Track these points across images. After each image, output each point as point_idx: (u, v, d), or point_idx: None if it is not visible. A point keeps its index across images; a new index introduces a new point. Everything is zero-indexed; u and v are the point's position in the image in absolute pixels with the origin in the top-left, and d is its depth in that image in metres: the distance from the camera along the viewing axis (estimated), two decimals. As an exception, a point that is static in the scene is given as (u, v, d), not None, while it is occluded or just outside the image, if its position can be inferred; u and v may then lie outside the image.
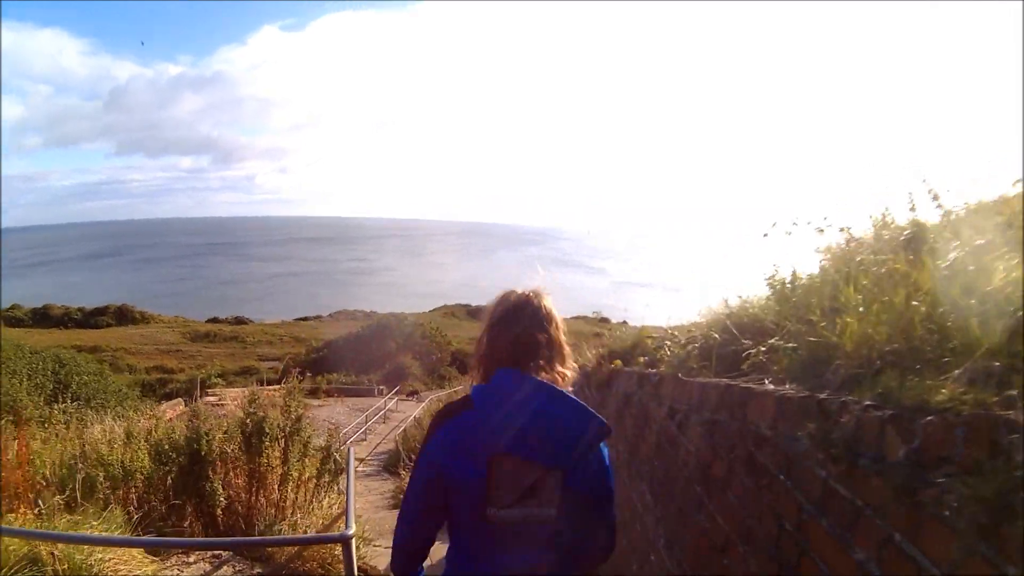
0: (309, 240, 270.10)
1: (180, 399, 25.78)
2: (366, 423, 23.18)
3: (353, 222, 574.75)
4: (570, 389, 1.81)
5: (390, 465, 16.98)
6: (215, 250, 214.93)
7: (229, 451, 5.90)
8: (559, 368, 1.83)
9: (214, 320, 69.80)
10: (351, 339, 44.26)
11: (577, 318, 79.97)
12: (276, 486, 5.98)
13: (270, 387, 32.28)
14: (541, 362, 1.78)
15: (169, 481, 5.66)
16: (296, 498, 6.08)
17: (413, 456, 12.61)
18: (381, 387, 33.87)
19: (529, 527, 1.73)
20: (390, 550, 1.95)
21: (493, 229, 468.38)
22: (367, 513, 12.05)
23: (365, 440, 21.81)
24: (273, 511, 5.83)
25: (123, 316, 66.75)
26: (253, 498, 5.86)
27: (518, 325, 1.82)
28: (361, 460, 19.21)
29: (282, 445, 6.04)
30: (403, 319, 45.35)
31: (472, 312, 73.93)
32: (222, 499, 5.65)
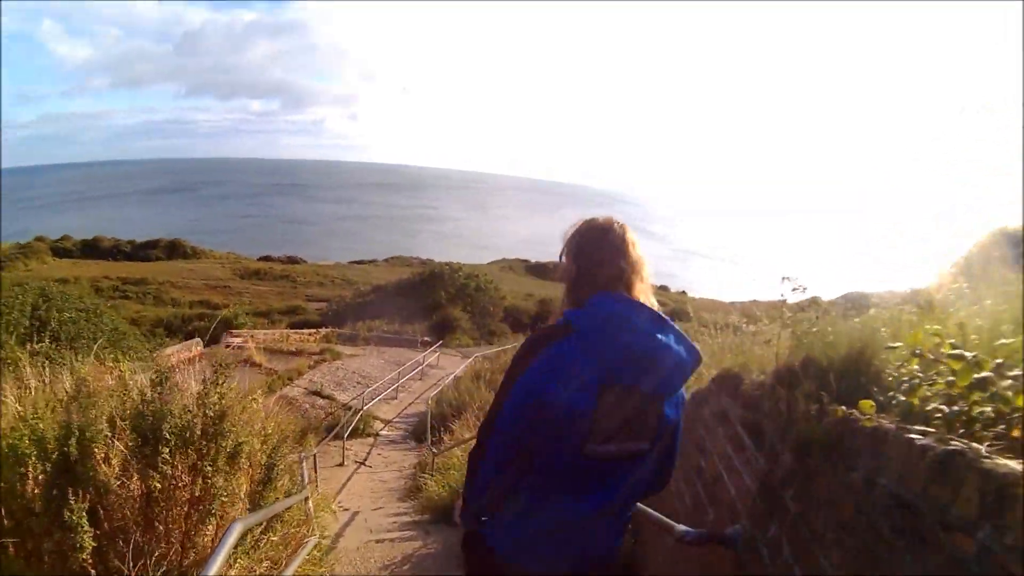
0: (376, 185, 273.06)
1: (197, 339, 24.35)
2: (399, 379, 21.05)
3: (420, 171, 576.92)
4: None
5: (418, 431, 14.88)
6: (281, 191, 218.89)
7: (115, 460, 3.65)
8: (651, 299, 1.75)
9: (266, 258, 69.62)
10: (400, 285, 42.35)
11: (635, 286, 78.29)
12: (183, 518, 3.74)
13: (306, 330, 31.09)
14: (635, 290, 1.72)
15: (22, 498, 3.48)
16: (216, 534, 3.85)
17: (442, 425, 10.20)
18: (425, 339, 31.64)
19: (620, 463, 1.68)
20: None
21: (559, 188, 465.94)
22: (380, 500, 10.06)
23: (396, 399, 19.75)
24: (179, 558, 3.64)
25: (174, 250, 66.98)
26: (144, 536, 3.63)
27: (609, 249, 1.75)
28: (387, 422, 17.21)
29: (193, 455, 3.79)
30: (457, 268, 43.05)
31: (531, 268, 72.51)
32: (88, 539, 3.40)
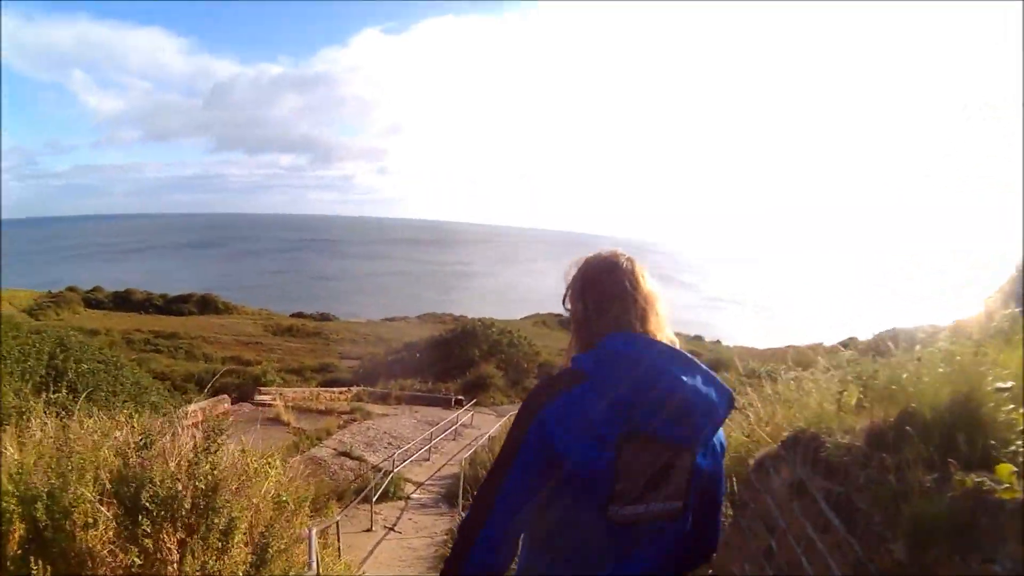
0: (405, 240, 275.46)
1: (224, 396, 24.10)
2: (431, 440, 20.43)
3: (450, 226, 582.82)
4: None
5: (451, 495, 14.29)
6: (311, 246, 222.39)
7: (103, 527, 3.22)
8: (669, 333, 1.57)
9: (298, 315, 69.79)
10: (432, 343, 41.92)
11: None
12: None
13: (336, 388, 30.74)
14: (650, 326, 1.53)
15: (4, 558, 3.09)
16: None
17: (476, 488, 10.24)
18: (459, 397, 31.02)
19: (651, 526, 1.46)
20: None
21: (588, 239, 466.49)
22: (409, 569, 9.49)
23: (428, 460, 19.14)
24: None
25: (206, 305, 67.26)
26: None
27: (619, 283, 1.57)
28: (419, 485, 16.62)
29: (182, 530, 3.36)
30: (489, 325, 42.65)
31: (564, 322, 70.97)
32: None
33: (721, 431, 1.59)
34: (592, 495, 1.40)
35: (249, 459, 5.64)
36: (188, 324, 57.13)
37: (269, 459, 6.41)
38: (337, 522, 9.62)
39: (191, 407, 20.83)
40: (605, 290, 1.59)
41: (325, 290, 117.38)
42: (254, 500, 4.27)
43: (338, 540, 9.40)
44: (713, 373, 1.52)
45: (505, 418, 24.14)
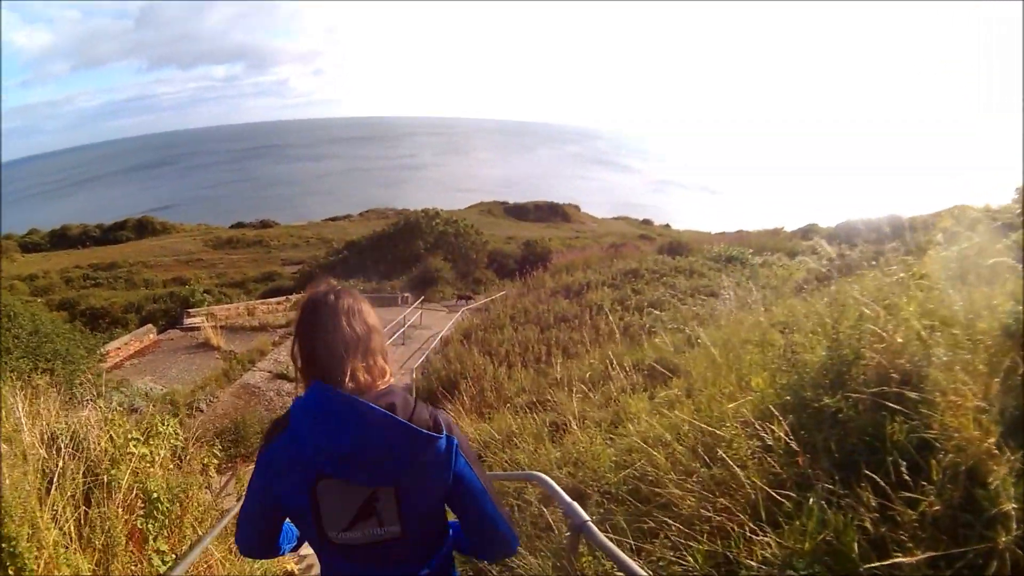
0: (351, 139, 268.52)
1: (150, 327, 22.20)
2: None
3: (390, 120, 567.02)
4: (398, 386, 1.78)
5: None
6: (253, 155, 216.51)
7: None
8: (373, 368, 1.71)
9: (238, 225, 67.96)
10: (375, 239, 40.07)
11: (619, 218, 77.04)
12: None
13: (273, 300, 28.70)
14: (348, 365, 1.67)
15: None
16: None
17: (431, 402, 9.11)
18: (406, 295, 29.31)
19: (379, 546, 1.71)
20: None
21: (532, 128, 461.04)
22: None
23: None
24: None
25: (143, 229, 65.12)
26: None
27: (321, 329, 1.70)
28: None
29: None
30: (434, 216, 40.69)
31: (510, 210, 70.92)
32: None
33: (455, 455, 1.70)
34: (308, 524, 1.68)
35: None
36: (127, 251, 54.98)
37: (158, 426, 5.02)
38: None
39: (111, 345, 19.11)
40: (314, 333, 1.70)
41: (272, 197, 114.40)
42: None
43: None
44: (398, 419, 1.60)
45: (458, 314, 22.57)
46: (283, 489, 1.65)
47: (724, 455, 2.82)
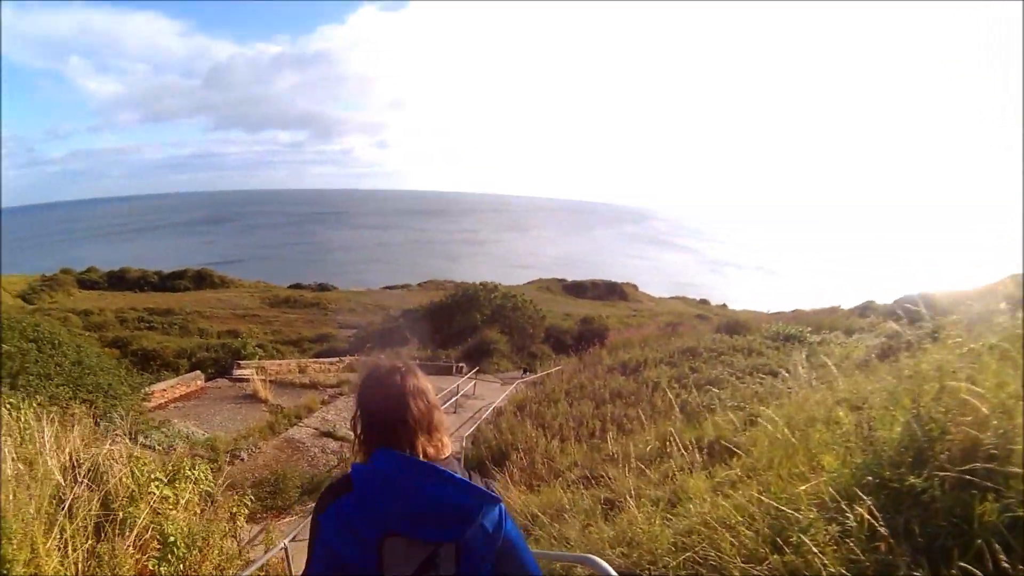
0: (409, 212, 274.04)
1: (198, 372, 22.35)
2: None
3: (451, 196, 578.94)
4: (453, 457, 1.91)
5: None
6: (315, 219, 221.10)
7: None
8: (435, 442, 1.86)
9: (296, 286, 68.54)
10: (433, 308, 40.17)
11: (675, 298, 76.33)
12: None
13: (325, 360, 28.84)
14: (416, 438, 1.82)
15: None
16: None
17: (481, 472, 8.86)
18: (461, 364, 29.14)
19: None
20: None
21: (590, 207, 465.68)
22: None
23: (429, 440, 17.17)
24: None
25: (202, 280, 66.08)
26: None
27: (386, 402, 1.85)
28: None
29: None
30: (492, 289, 40.76)
31: (568, 287, 71.00)
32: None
33: (509, 528, 1.84)
34: None
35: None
36: (184, 300, 55.89)
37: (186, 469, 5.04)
38: (285, 545, 7.77)
39: (158, 386, 19.28)
40: (375, 405, 1.87)
41: (329, 261, 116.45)
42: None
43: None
44: (467, 481, 1.76)
45: (512, 387, 22.29)
46: (348, 549, 1.71)
47: (797, 540, 2.59)
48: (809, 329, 17.59)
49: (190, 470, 5.33)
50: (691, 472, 5.03)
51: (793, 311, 26.52)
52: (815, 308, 26.02)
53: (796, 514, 2.79)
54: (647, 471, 5.73)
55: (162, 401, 18.65)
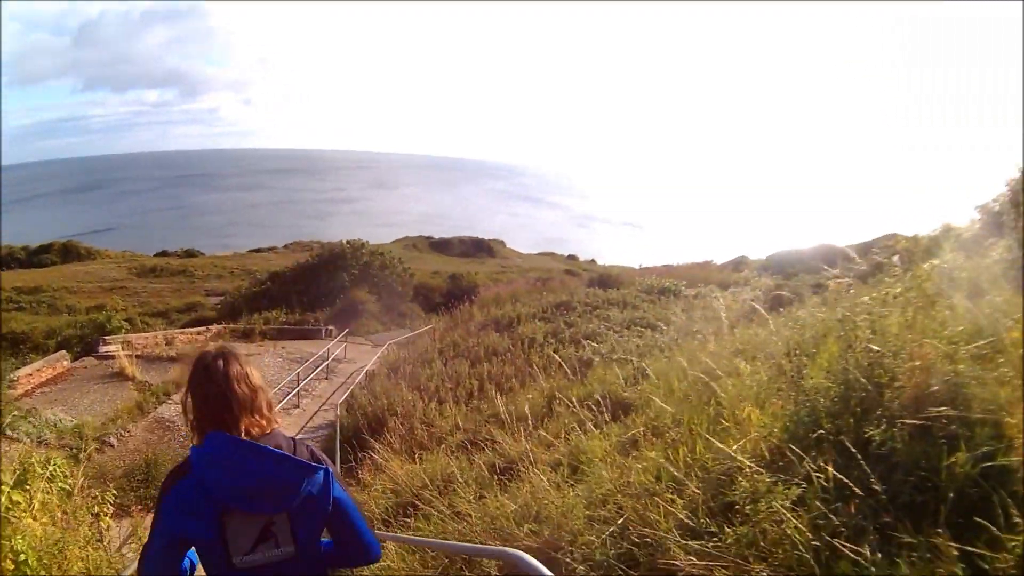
0: (276, 171, 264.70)
1: (63, 352, 20.83)
2: (299, 381, 17.55)
3: (319, 154, 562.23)
4: (279, 431, 2.05)
5: (328, 453, 11.69)
6: (182, 182, 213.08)
7: None
8: (259, 420, 1.99)
9: (163, 253, 65.81)
10: (299, 270, 38.84)
11: (544, 254, 77.43)
12: None
13: (192, 329, 27.28)
14: (240, 419, 1.95)
15: None
16: None
17: (358, 441, 7.48)
18: (330, 328, 28.34)
19: (277, 565, 1.95)
20: None
21: (459, 163, 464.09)
22: None
23: (298, 407, 16.45)
24: None
25: (68, 253, 62.42)
26: None
27: (214, 390, 1.98)
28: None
29: None
30: (359, 247, 39.68)
31: (435, 244, 70.69)
32: None
33: (331, 482, 2.00)
34: (214, 554, 1.91)
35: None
36: (51, 275, 52.23)
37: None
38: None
39: (23, 371, 17.69)
40: (203, 389, 2.00)
41: (196, 226, 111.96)
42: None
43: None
44: (287, 455, 1.93)
45: (383, 347, 21.70)
46: (191, 526, 1.87)
47: (751, 507, 2.28)
48: (684, 283, 17.98)
49: (42, 467, 4.82)
50: (584, 432, 4.70)
51: (664, 266, 27.20)
52: (687, 263, 26.79)
53: (739, 476, 2.48)
54: (539, 431, 5.38)
55: (28, 388, 17.57)
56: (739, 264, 24.79)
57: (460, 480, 4.97)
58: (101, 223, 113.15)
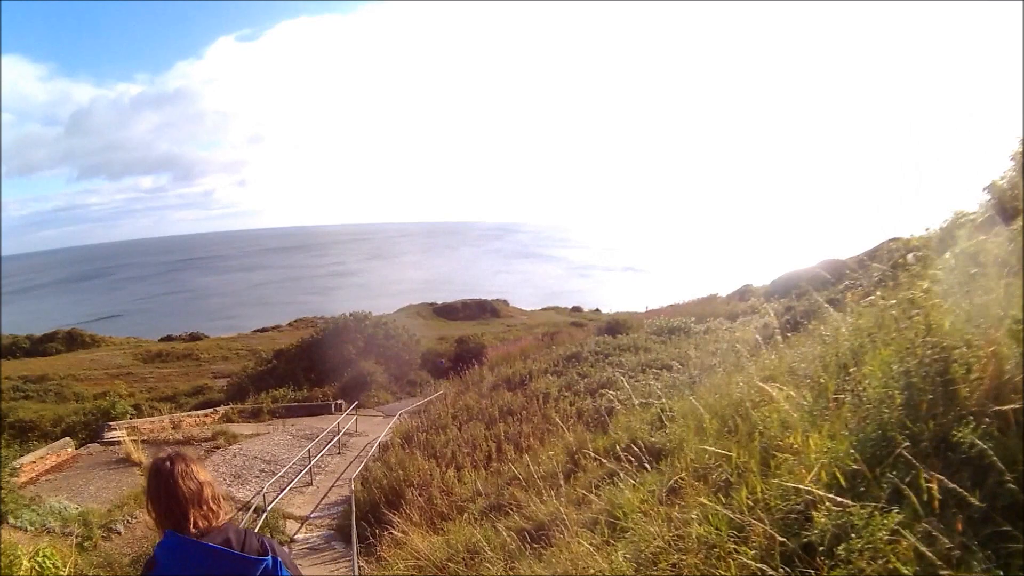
0: (275, 250, 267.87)
1: (68, 440, 20.64)
2: (311, 458, 16.97)
3: (316, 229, 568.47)
4: (231, 524, 2.31)
5: (345, 529, 11.12)
6: (185, 266, 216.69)
7: None
8: (206, 512, 2.25)
9: (167, 338, 65.73)
10: (304, 346, 38.66)
11: (548, 308, 77.17)
12: None
13: (200, 412, 26.91)
14: (188, 512, 2.21)
15: None
16: None
17: (374, 516, 7.57)
18: (340, 402, 27.87)
19: None
20: None
21: (454, 227, 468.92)
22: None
23: (312, 484, 15.85)
24: None
25: (73, 341, 62.09)
26: None
27: (164, 490, 2.23)
28: (303, 520, 13.44)
29: None
30: (363, 318, 39.53)
31: (439, 310, 70.51)
32: None
33: (280, 570, 2.24)
34: None
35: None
36: (57, 363, 52.13)
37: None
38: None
39: (27, 458, 17.35)
40: (159, 493, 2.25)
41: (199, 309, 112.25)
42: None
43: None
44: (229, 551, 2.17)
45: (395, 417, 21.27)
46: None
47: (844, 547, 1.96)
48: (692, 319, 17.76)
49: (29, 559, 4.62)
50: (613, 484, 4.36)
51: (670, 305, 27.01)
52: (692, 300, 26.58)
53: (815, 511, 2.15)
54: (563, 490, 5.02)
55: (32, 475, 17.15)
56: (744, 293, 24.67)
57: (487, 550, 4.60)
58: (104, 311, 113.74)
